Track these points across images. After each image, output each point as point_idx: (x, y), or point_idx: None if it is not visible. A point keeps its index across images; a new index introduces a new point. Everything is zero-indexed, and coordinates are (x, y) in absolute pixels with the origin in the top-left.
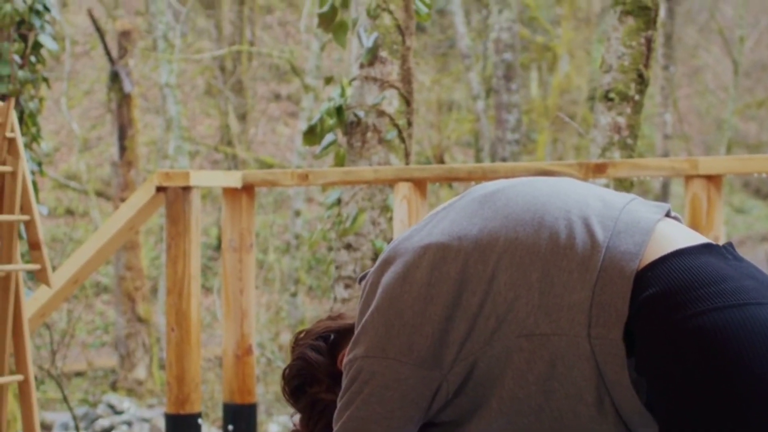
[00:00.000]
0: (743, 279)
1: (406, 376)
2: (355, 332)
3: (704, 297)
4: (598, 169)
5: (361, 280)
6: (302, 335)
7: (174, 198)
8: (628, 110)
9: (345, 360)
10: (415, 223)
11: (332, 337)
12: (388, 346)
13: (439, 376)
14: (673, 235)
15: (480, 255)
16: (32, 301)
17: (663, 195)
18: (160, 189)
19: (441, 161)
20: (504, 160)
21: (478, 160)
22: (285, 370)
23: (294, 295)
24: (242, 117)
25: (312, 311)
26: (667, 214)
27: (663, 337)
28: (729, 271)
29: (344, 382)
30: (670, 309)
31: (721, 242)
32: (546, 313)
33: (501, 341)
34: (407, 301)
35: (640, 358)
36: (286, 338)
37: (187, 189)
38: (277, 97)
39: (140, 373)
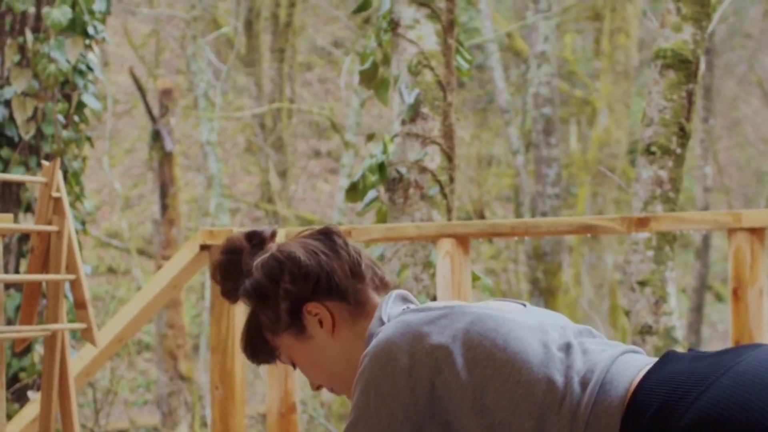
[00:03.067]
0: (714, 357)
1: None
2: (353, 414)
3: (688, 390)
4: (641, 223)
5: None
6: (323, 242)
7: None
8: (670, 164)
9: None
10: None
11: (319, 280)
12: None
13: None
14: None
15: (482, 383)
16: (77, 360)
17: (704, 248)
18: (203, 247)
19: (481, 216)
20: (544, 214)
21: (518, 214)
22: (273, 254)
23: None
24: (282, 174)
25: None
26: None
27: None
28: (696, 363)
29: None
30: (667, 418)
31: (766, 294)
32: None
33: None
34: (411, 396)
35: None
36: (328, 395)
37: None
38: (317, 153)
39: (182, 431)
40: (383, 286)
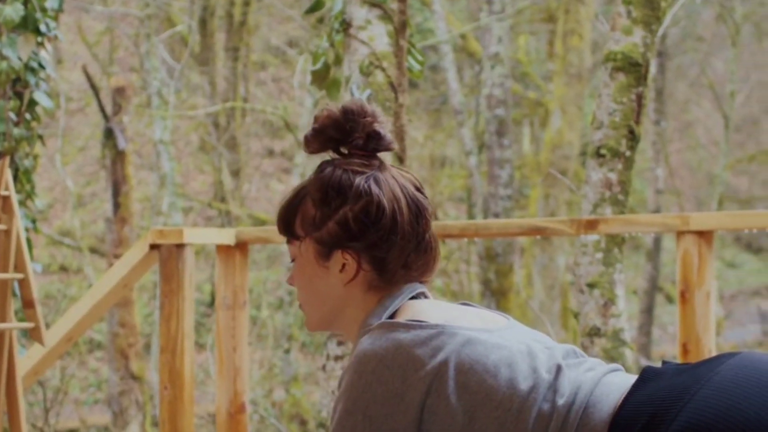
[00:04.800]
0: (693, 370)
1: None
2: (335, 418)
3: (671, 404)
4: (590, 226)
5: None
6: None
7: (167, 255)
8: (620, 166)
9: None
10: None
11: (377, 247)
12: None
13: None
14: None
15: (471, 408)
16: (26, 359)
17: (655, 250)
18: (153, 246)
19: (434, 217)
20: (497, 215)
21: (470, 215)
22: (371, 189)
23: (287, 351)
24: (236, 173)
25: (305, 367)
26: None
27: None
28: (676, 377)
29: None
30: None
31: (713, 297)
32: None
33: None
34: (402, 422)
35: None
36: (280, 395)
37: (180, 246)
38: (271, 153)
39: (133, 430)
40: (417, 279)
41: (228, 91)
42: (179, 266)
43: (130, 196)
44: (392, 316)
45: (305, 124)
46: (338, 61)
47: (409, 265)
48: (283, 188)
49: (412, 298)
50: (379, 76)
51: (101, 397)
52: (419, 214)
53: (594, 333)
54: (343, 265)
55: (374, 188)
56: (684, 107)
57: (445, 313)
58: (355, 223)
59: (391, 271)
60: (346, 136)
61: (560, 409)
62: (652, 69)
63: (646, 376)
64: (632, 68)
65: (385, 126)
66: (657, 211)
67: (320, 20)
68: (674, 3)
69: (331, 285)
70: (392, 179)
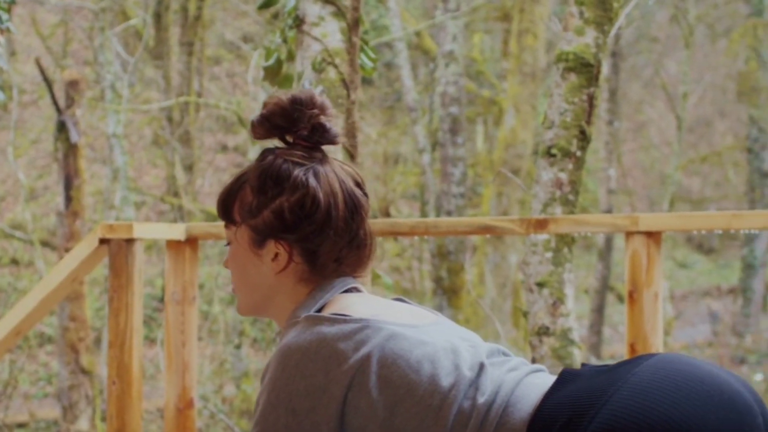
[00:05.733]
0: (611, 371)
1: None
2: (259, 427)
3: (589, 406)
4: (540, 225)
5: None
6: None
7: (117, 250)
8: (570, 166)
9: None
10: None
11: (309, 239)
12: None
13: None
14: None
15: (392, 402)
16: None
17: (606, 250)
18: (103, 241)
19: (387, 214)
20: (449, 213)
21: (423, 213)
22: (309, 183)
23: (238, 347)
24: (189, 168)
25: (256, 363)
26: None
27: None
28: (594, 378)
29: None
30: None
31: (661, 298)
32: None
33: None
34: (325, 415)
35: None
36: (230, 390)
37: (130, 241)
38: (224, 148)
39: (83, 425)
40: (350, 274)
41: (182, 86)
42: (128, 261)
43: (82, 190)
44: (321, 309)
45: None
46: (291, 57)
47: (342, 259)
48: None
49: (345, 291)
50: (332, 73)
51: (51, 391)
52: (355, 210)
53: (543, 332)
54: (276, 255)
55: (312, 181)
56: (637, 108)
57: (372, 308)
58: (290, 214)
59: (322, 264)
60: (291, 125)
61: (480, 407)
62: (606, 69)
63: (565, 377)
64: (584, 69)
65: (332, 119)
66: (609, 210)
67: (275, 16)
68: (627, 4)
69: (262, 273)
70: (332, 173)
